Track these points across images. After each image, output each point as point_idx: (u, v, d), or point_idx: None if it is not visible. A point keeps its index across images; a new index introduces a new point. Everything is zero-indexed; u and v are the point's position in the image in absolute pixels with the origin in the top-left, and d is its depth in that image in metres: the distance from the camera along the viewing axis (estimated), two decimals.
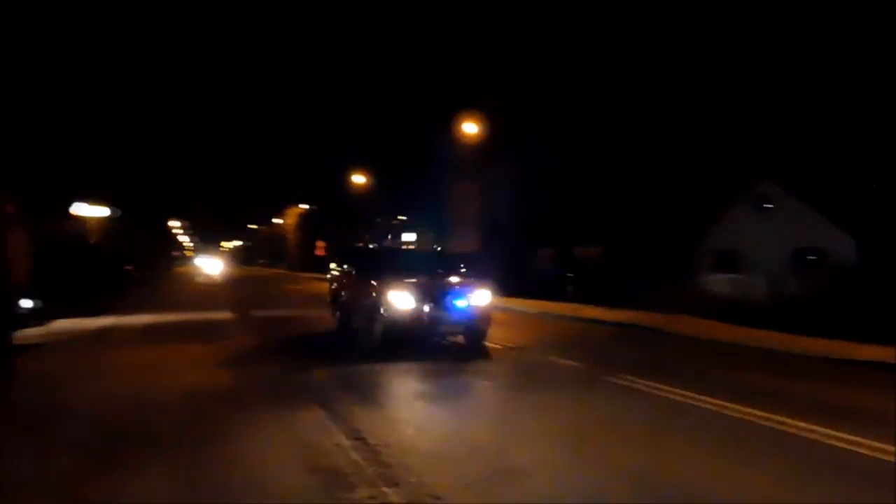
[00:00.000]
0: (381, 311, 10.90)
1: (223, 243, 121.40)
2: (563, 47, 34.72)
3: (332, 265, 15.71)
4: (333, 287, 14.71)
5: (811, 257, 22.18)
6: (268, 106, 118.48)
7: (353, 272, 13.25)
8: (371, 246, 14.07)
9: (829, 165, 24.57)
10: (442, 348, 11.55)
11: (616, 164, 28.01)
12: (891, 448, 5.62)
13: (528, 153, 31.05)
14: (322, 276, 45.80)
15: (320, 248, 56.92)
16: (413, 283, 11.21)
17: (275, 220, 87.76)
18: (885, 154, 23.29)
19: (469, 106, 29.67)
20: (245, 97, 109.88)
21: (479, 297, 11.50)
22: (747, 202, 25.87)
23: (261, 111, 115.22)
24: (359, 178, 46.72)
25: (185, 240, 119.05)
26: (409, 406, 7.87)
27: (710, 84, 29.44)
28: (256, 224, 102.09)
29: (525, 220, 31.50)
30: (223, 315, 17.62)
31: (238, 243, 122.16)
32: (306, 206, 72.48)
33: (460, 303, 11.20)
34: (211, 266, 56.42)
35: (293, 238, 76.29)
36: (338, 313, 14.03)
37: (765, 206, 25.21)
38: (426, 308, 10.88)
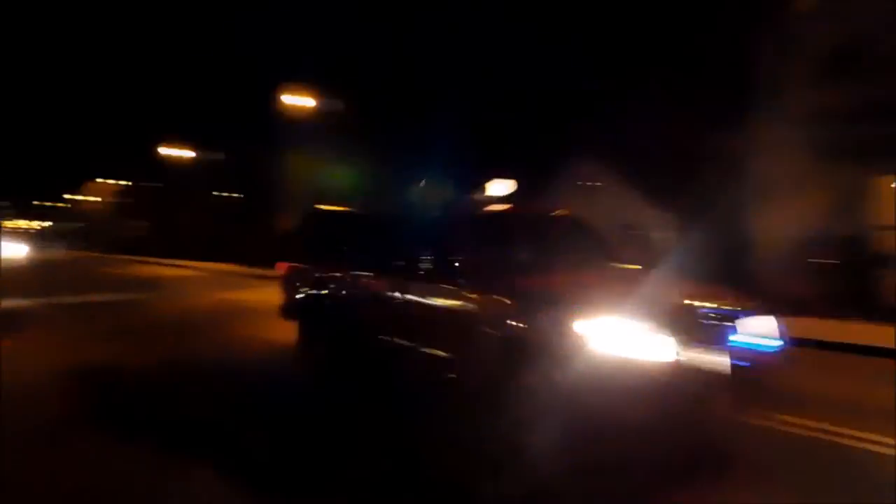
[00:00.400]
0: (563, 366, 4.61)
1: (7, 223, 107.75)
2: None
3: (288, 263, 8.64)
4: (307, 296, 7.95)
5: (634, 232, 23.94)
6: (61, 70, 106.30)
7: (417, 273, 6.53)
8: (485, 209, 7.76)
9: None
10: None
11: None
12: None
13: (364, 129, 30.58)
14: (138, 259, 41.65)
15: (138, 228, 54.59)
16: (650, 303, 4.92)
17: (74, 197, 79.30)
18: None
19: (298, 78, 28.54)
20: (38, 69, 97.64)
21: (763, 328, 5.34)
22: (572, 181, 27.23)
23: (53, 79, 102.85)
24: (176, 151, 43.27)
25: None
26: None
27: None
28: (53, 201, 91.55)
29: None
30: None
31: (37, 224, 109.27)
32: (118, 182, 66.14)
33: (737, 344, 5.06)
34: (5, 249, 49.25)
35: (102, 217, 69.63)
36: (319, 344, 7.65)
37: (587, 183, 26.77)
38: (688, 357, 4.70)
